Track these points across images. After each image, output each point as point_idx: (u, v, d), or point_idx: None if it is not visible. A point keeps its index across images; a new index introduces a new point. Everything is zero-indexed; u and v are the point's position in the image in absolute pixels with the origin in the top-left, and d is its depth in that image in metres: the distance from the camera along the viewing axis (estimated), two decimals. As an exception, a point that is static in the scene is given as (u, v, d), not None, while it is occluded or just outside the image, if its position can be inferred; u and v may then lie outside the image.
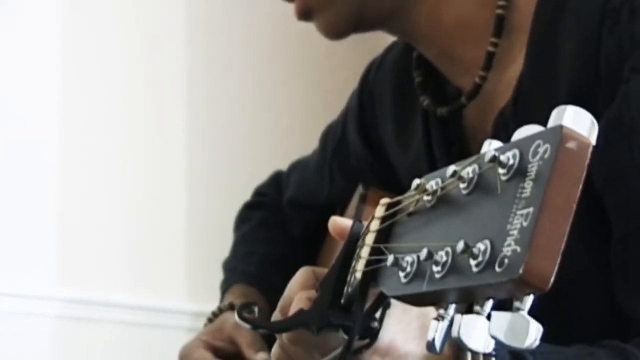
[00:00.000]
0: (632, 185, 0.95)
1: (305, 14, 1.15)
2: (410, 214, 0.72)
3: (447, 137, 1.17)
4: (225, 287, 1.41)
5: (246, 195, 1.55)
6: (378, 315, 0.79)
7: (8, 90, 2.12)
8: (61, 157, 2.18)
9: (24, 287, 2.12)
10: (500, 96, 1.08)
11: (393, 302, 0.77)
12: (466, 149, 1.15)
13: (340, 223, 0.85)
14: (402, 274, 0.68)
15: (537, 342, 0.60)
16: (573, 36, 1.01)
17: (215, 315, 1.33)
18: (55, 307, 2.16)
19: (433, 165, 1.18)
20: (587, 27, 0.99)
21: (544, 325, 0.60)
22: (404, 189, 1.29)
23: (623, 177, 0.95)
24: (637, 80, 0.95)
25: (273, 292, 1.24)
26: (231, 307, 1.32)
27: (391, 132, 1.28)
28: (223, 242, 1.50)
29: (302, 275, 0.88)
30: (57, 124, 2.18)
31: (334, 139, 1.41)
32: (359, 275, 0.76)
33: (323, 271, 0.87)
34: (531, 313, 0.60)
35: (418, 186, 0.70)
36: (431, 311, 0.78)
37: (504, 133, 1.06)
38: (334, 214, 1.41)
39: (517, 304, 0.60)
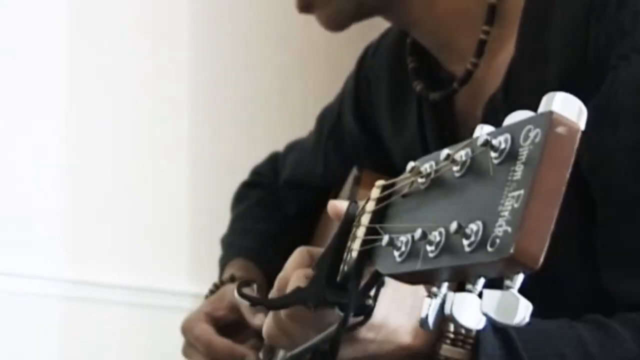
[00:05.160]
0: (617, 170, 0.96)
1: (305, 6, 1.16)
2: (404, 196, 0.73)
3: (439, 121, 1.18)
4: (225, 261, 1.42)
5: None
6: (372, 292, 0.81)
7: (15, 82, 2.14)
8: (68, 140, 2.21)
9: (31, 267, 2.15)
10: (490, 82, 1.09)
11: (386, 280, 0.79)
12: (457, 134, 1.16)
13: (338, 205, 0.87)
14: (396, 253, 0.69)
15: (527, 319, 0.61)
16: (563, 24, 1.02)
17: (217, 287, 1.34)
18: (61, 288, 2.18)
19: (425, 149, 1.19)
20: (576, 15, 1.00)
21: (532, 303, 0.62)
22: (397, 171, 1.31)
23: (608, 161, 0.97)
24: (624, 67, 0.96)
25: (270, 268, 1.25)
26: (232, 279, 1.33)
27: (386, 115, 1.29)
28: (224, 225, 1.52)
29: (297, 255, 0.91)
30: (63, 109, 2.20)
31: (330, 120, 1.42)
32: (354, 254, 0.78)
33: (318, 251, 0.89)
34: (521, 291, 0.62)
35: (412, 168, 0.72)
36: (422, 289, 0.80)
37: (493, 119, 1.06)
38: (329, 194, 1.43)
39: (507, 282, 0.62)
